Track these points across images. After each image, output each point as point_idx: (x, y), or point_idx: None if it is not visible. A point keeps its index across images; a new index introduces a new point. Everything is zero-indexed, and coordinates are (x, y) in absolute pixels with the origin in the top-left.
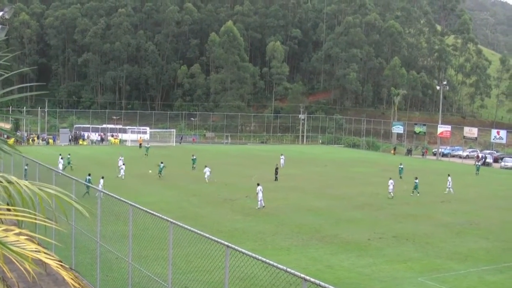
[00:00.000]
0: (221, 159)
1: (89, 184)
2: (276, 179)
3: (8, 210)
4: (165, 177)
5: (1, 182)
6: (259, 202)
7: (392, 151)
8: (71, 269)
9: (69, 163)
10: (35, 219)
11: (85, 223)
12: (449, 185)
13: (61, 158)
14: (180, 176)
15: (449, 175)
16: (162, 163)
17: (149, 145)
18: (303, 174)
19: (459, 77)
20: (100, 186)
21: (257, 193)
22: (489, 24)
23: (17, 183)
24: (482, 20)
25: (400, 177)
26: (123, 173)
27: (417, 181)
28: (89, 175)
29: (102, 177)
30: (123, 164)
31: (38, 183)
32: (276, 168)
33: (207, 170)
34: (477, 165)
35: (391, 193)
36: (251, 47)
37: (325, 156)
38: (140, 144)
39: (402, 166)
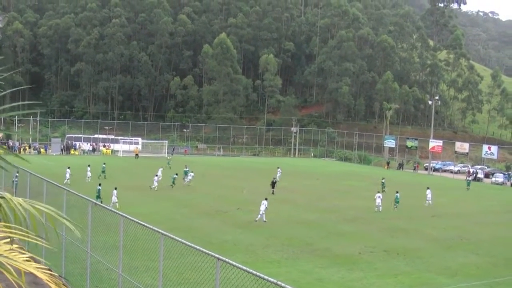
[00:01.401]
0: (213, 170)
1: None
2: (273, 192)
3: None
4: (158, 189)
5: None
6: (259, 215)
7: (385, 166)
8: (60, 277)
9: (103, 171)
10: (27, 234)
11: (76, 233)
12: (428, 197)
13: (68, 168)
14: (172, 188)
15: (428, 188)
16: (186, 168)
17: (170, 157)
18: (295, 187)
19: (451, 92)
20: (113, 197)
21: (261, 205)
22: (481, 40)
23: (11, 200)
24: (475, 36)
25: (384, 191)
26: (156, 184)
27: (397, 194)
28: (100, 185)
29: (115, 188)
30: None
31: (30, 201)
32: (274, 182)
33: (190, 176)
34: (468, 180)
35: (379, 207)
36: (244, 60)
37: (317, 169)
38: (137, 154)
39: (384, 180)
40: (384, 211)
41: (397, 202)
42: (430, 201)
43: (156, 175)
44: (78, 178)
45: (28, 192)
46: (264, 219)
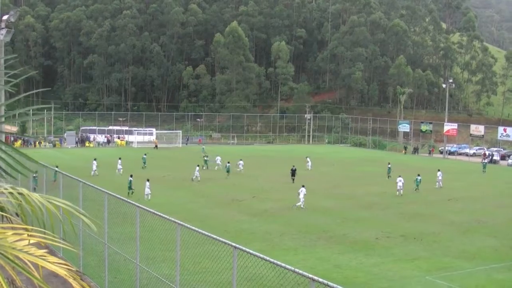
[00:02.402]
0: (228, 159)
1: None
2: (293, 181)
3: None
4: (173, 179)
5: (12, 193)
6: (299, 203)
7: (403, 151)
8: (78, 271)
9: (144, 162)
10: (45, 236)
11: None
12: (439, 179)
13: (95, 160)
14: (188, 177)
15: (439, 170)
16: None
17: (204, 146)
18: (310, 174)
19: (465, 75)
20: (147, 189)
21: (299, 193)
22: (494, 21)
23: (28, 195)
24: (487, 18)
25: (389, 177)
26: (198, 174)
27: (419, 177)
28: (131, 176)
29: (148, 180)
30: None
31: (47, 196)
32: (293, 170)
33: (218, 159)
34: (483, 163)
35: (400, 191)
36: (256, 47)
37: (332, 156)
38: (156, 145)
39: (390, 166)
40: (397, 196)
41: (417, 185)
42: (441, 183)
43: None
44: (101, 171)
45: (44, 186)
46: (302, 206)
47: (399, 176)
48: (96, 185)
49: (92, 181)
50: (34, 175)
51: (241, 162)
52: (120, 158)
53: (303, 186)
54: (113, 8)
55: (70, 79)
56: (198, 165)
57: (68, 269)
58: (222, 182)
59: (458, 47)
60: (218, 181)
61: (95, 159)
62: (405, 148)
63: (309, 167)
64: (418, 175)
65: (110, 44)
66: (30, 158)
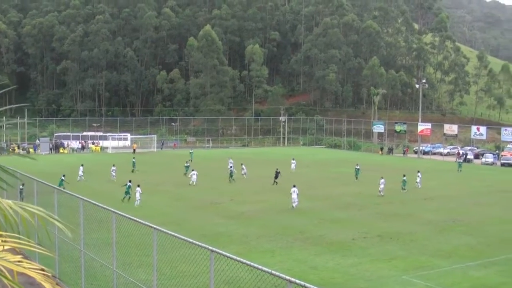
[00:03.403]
0: (204, 163)
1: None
2: (275, 183)
3: None
4: (149, 183)
5: None
6: (294, 204)
7: (380, 151)
8: (54, 277)
9: (134, 166)
10: (20, 241)
11: (67, 233)
12: (418, 180)
13: (82, 166)
14: (164, 181)
15: (418, 171)
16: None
17: (192, 150)
18: (285, 176)
19: (438, 75)
20: (137, 194)
21: (291, 193)
22: (466, 22)
23: (0, 202)
24: (459, 18)
25: (356, 178)
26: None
27: (405, 178)
28: (130, 181)
29: (138, 185)
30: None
31: (20, 203)
32: (277, 172)
33: (194, 174)
34: (459, 162)
35: (381, 192)
36: (230, 51)
37: (307, 157)
38: (134, 149)
39: (358, 167)
40: (375, 196)
41: (404, 185)
42: (419, 184)
43: (193, 171)
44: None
45: (18, 194)
46: (294, 206)
47: (382, 178)
48: (74, 192)
49: (76, 187)
50: (21, 187)
51: (243, 166)
52: (82, 165)
53: (294, 186)
54: (86, 13)
55: (43, 85)
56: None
57: (44, 274)
58: (199, 186)
59: (430, 48)
60: (196, 184)
61: (82, 165)
62: (381, 148)
63: (293, 169)
64: (404, 175)
65: (83, 50)
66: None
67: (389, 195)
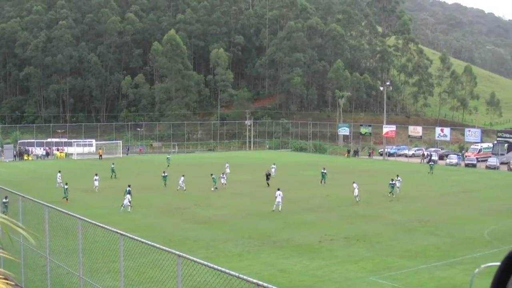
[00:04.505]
0: (170, 168)
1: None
2: (268, 185)
3: None
4: (114, 189)
5: None
6: (275, 206)
7: (346, 154)
8: (16, 285)
9: (113, 171)
10: None
11: (30, 241)
12: (398, 184)
13: (59, 172)
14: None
15: (398, 175)
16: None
17: (170, 155)
18: (252, 179)
19: (402, 77)
20: (126, 201)
21: (276, 197)
22: (429, 24)
23: None
24: (422, 20)
25: (323, 182)
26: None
27: (392, 182)
28: (129, 186)
29: (129, 193)
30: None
31: None
32: (268, 174)
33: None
34: (431, 164)
35: (357, 198)
36: (194, 55)
37: (273, 161)
38: (101, 155)
39: (325, 171)
40: (342, 199)
41: (393, 188)
42: (398, 189)
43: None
44: (43, 183)
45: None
46: (280, 209)
47: (354, 182)
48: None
49: (54, 194)
50: (4, 200)
51: (225, 173)
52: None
53: (278, 189)
54: (49, 18)
55: (7, 92)
56: (183, 175)
57: (6, 283)
58: (164, 191)
59: (394, 50)
60: (160, 190)
61: (59, 171)
62: (348, 151)
63: (273, 173)
64: (392, 180)
65: (46, 55)
66: None
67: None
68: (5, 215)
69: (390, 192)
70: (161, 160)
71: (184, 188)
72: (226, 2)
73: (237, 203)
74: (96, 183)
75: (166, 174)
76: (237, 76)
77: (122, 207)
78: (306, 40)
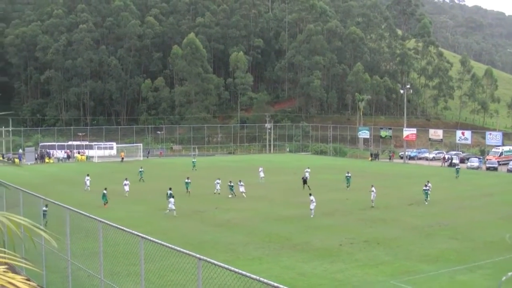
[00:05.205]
0: (190, 171)
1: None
2: (304, 188)
3: None
4: (133, 192)
5: None
6: (312, 211)
7: (370, 158)
8: (38, 286)
9: (141, 174)
10: (5, 256)
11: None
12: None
13: (88, 176)
14: (148, 190)
15: (428, 181)
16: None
17: (195, 159)
18: (271, 183)
19: (422, 80)
20: (171, 205)
21: (311, 204)
22: (448, 27)
23: None
24: (442, 23)
25: (347, 186)
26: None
27: (426, 188)
28: (170, 189)
29: (173, 196)
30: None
31: (6, 213)
32: (304, 179)
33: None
34: (457, 168)
35: (373, 203)
36: (214, 58)
37: (293, 164)
38: (122, 158)
39: (349, 175)
40: (361, 202)
41: (427, 195)
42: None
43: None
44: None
45: (4, 204)
46: (311, 215)
47: (372, 186)
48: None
49: (79, 197)
50: (44, 208)
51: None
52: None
53: (310, 195)
54: (69, 22)
55: (28, 95)
56: (219, 179)
57: (28, 284)
58: (184, 195)
59: (414, 53)
60: (181, 193)
61: (88, 175)
62: (371, 154)
63: (307, 177)
64: (425, 185)
65: (67, 59)
66: None
67: (376, 201)
68: (46, 223)
69: (425, 199)
70: (182, 163)
71: (219, 191)
72: (246, 5)
73: (256, 206)
74: (127, 187)
75: (189, 180)
76: (257, 79)
77: (167, 211)
78: (326, 43)
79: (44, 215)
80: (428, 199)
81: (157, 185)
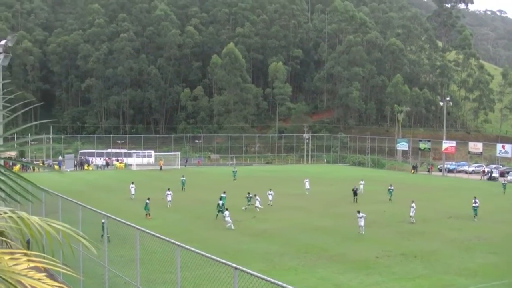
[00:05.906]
0: (228, 180)
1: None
2: (354, 200)
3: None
4: (173, 201)
5: (12, 217)
6: (360, 228)
7: (412, 170)
8: None
9: (183, 183)
10: (45, 261)
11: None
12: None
13: (132, 183)
14: (186, 198)
15: (475, 197)
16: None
17: (236, 169)
18: (310, 193)
19: (462, 92)
20: (227, 218)
21: (359, 219)
22: (490, 39)
23: (28, 218)
24: (483, 35)
25: (390, 199)
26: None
27: (475, 204)
28: (221, 199)
29: (227, 209)
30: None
31: (46, 219)
32: (355, 190)
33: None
34: (503, 183)
35: (412, 219)
36: (253, 68)
37: (331, 175)
38: (161, 166)
39: (392, 188)
40: (398, 215)
41: (476, 211)
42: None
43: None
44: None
45: (43, 210)
46: (362, 232)
47: (413, 202)
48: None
49: (123, 206)
50: (103, 221)
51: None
52: (133, 183)
53: (359, 212)
54: (110, 31)
55: (68, 103)
56: (271, 189)
57: None
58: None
59: (454, 65)
60: (215, 201)
61: (132, 183)
62: (413, 167)
63: (361, 189)
64: (474, 201)
65: (107, 67)
66: (31, 183)
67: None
68: (102, 237)
69: (474, 216)
70: (220, 172)
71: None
72: (285, 16)
73: (293, 216)
74: (169, 197)
75: (225, 195)
76: (295, 90)
77: (229, 224)
78: (365, 54)
79: (103, 228)
80: (477, 215)
81: (196, 194)
